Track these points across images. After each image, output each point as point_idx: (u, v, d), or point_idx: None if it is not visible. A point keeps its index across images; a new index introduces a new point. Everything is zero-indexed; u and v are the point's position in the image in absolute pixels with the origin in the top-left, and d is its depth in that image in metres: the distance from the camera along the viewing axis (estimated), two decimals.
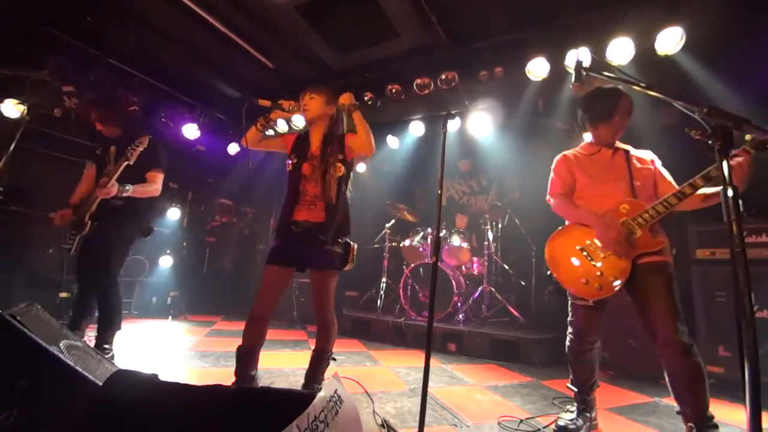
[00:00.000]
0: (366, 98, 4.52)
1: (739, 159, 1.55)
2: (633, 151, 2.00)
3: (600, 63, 2.02)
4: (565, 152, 2.12)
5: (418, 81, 4.16)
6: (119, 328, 2.75)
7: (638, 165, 1.93)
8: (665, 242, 1.78)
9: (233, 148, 5.70)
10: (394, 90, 4.34)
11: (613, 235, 1.76)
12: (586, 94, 2.01)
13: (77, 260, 2.71)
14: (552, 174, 2.11)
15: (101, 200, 2.63)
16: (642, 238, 1.75)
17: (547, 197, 2.11)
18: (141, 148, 2.63)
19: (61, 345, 1.33)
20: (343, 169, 2.05)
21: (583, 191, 2.01)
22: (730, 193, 0.97)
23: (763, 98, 2.95)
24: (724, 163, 1.00)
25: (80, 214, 2.68)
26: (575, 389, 2.03)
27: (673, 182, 1.89)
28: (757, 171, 1.57)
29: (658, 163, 1.97)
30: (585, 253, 1.85)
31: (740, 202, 0.97)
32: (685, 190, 1.69)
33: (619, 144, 2.02)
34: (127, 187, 2.66)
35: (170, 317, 4.78)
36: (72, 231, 2.68)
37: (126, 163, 2.61)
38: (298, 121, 4.80)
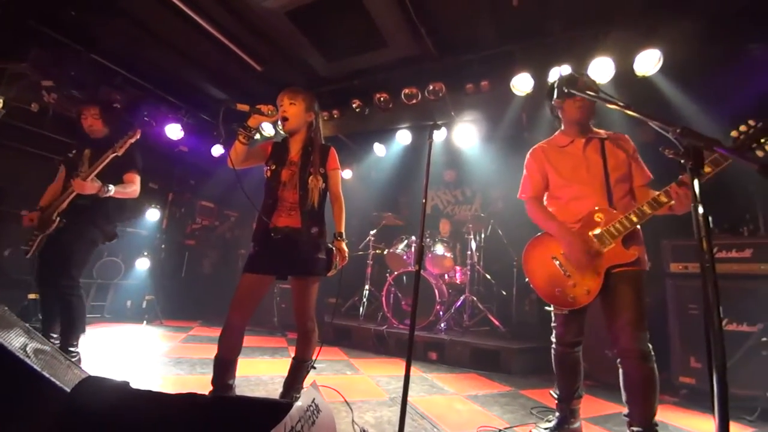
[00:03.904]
0: (354, 105, 4.56)
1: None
2: (610, 138, 1.93)
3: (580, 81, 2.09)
4: (536, 145, 2.07)
5: (406, 90, 4.21)
6: (83, 331, 2.61)
7: (613, 156, 1.88)
8: (638, 253, 1.75)
9: (217, 150, 5.62)
10: (382, 98, 4.38)
11: (575, 254, 1.78)
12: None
13: (37, 264, 2.55)
14: (524, 171, 2.08)
15: (71, 199, 2.52)
16: (613, 250, 1.74)
17: (520, 194, 2.09)
18: (132, 140, 2.54)
19: (27, 348, 1.28)
20: (322, 182, 2.03)
21: (556, 191, 1.98)
22: (700, 210, 1.01)
23: (734, 120, 3.08)
24: (695, 181, 1.04)
25: (48, 212, 2.53)
26: (559, 396, 2.00)
27: (647, 171, 1.86)
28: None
29: (634, 151, 1.91)
30: (558, 263, 1.86)
31: (710, 218, 1.01)
32: (660, 198, 1.65)
33: (594, 130, 1.97)
34: (110, 187, 2.55)
35: (145, 322, 4.63)
36: (35, 231, 2.54)
37: (114, 155, 2.52)
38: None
